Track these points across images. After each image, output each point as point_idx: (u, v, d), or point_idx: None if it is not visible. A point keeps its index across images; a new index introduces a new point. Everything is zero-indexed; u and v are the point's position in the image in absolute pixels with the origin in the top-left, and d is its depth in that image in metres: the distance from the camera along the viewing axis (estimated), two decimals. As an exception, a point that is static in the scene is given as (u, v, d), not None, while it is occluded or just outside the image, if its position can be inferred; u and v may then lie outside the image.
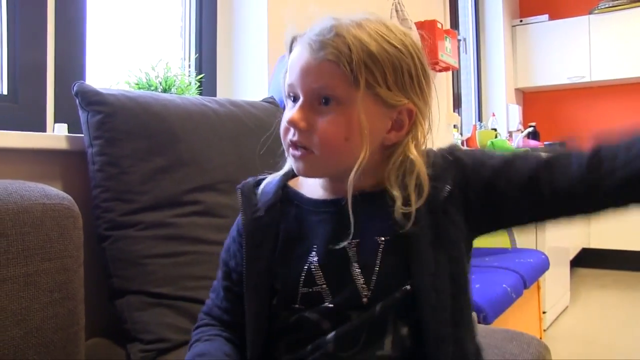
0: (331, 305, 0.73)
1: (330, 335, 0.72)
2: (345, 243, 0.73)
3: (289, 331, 0.77)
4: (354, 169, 0.70)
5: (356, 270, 0.73)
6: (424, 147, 0.76)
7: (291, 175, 0.83)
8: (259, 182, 0.84)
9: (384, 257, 0.72)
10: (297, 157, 0.73)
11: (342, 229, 0.73)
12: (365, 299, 0.72)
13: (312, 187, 0.80)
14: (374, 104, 0.70)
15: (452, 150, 0.77)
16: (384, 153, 0.75)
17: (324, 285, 0.74)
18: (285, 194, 0.81)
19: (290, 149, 0.74)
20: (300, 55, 0.72)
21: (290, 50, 0.75)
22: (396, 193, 0.72)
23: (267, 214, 0.79)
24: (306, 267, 0.75)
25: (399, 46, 0.71)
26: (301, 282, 0.75)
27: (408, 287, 0.71)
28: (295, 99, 0.74)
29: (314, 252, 0.75)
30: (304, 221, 0.78)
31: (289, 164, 0.80)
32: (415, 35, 0.76)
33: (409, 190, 0.72)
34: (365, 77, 0.68)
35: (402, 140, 0.74)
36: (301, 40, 0.73)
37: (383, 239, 0.73)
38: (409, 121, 0.73)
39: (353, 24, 0.71)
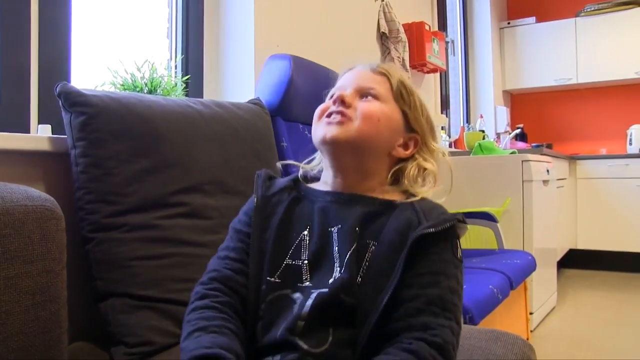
0: (308, 284, 0.83)
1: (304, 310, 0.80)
2: (333, 228, 0.86)
3: (265, 312, 0.83)
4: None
5: (336, 252, 0.84)
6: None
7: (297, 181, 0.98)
8: (271, 177, 0.98)
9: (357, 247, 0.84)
10: (337, 121, 0.89)
11: (333, 216, 0.87)
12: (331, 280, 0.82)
13: (319, 185, 0.95)
14: (400, 118, 0.93)
15: (453, 222, 0.84)
16: (388, 164, 0.93)
17: (306, 261, 0.85)
18: (296, 185, 0.96)
19: (328, 118, 0.90)
20: (359, 70, 0.96)
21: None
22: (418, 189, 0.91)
23: (277, 195, 0.93)
24: (297, 240, 0.87)
25: (413, 87, 0.97)
26: (289, 252, 0.86)
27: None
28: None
29: (306, 231, 0.88)
30: (306, 206, 0.91)
31: (300, 171, 0.99)
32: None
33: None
34: (403, 96, 0.93)
35: (409, 158, 0.94)
36: (363, 64, 0.97)
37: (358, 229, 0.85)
38: (414, 147, 0.94)
39: (402, 69, 0.95)
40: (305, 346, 0.77)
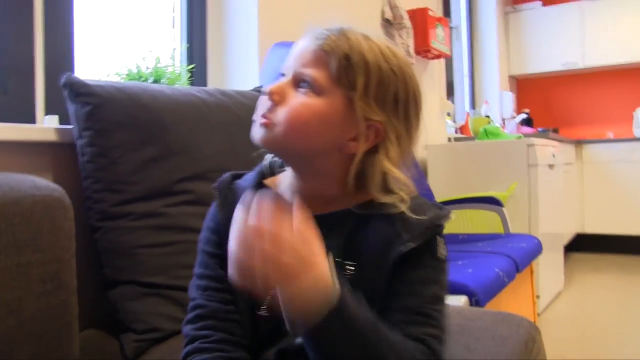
0: None
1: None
2: None
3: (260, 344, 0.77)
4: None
5: None
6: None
7: (266, 173, 0.84)
8: (235, 176, 0.85)
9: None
10: (261, 124, 0.73)
11: (339, 243, 0.74)
12: None
13: (286, 189, 0.80)
14: (345, 107, 0.71)
15: (440, 223, 0.76)
16: (345, 161, 0.74)
17: None
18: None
19: (259, 116, 0.75)
20: (302, 42, 0.75)
21: None
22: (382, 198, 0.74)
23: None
24: None
25: (394, 68, 0.72)
26: None
27: None
28: None
29: None
30: None
31: (265, 162, 0.84)
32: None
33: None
34: (348, 78, 0.70)
35: (366, 154, 0.73)
36: (311, 31, 0.75)
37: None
38: (375, 139, 0.73)
39: (362, 34, 0.73)
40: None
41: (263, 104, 0.74)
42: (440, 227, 0.75)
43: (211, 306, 0.77)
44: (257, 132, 0.74)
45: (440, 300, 0.74)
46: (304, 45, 0.74)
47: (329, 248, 0.68)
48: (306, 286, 0.61)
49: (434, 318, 0.71)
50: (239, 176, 0.85)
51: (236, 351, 0.75)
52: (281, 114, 0.71)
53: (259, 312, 0.75)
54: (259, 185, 0.82)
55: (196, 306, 0.78)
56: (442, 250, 0.75)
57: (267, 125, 0.72)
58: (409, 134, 0.75)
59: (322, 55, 0.71)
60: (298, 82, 0.73)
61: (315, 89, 0.71)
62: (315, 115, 0.71)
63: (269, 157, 0.84)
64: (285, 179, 0.80)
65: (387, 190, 0.74)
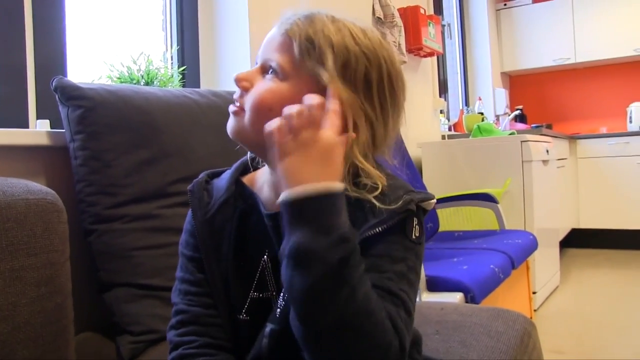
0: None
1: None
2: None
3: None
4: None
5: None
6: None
7: (243, 169, 0.82)
8: (213, 175, 0.84)
9: None
10: (231, 112, 0.74)
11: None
12: None
13: (264, 186, 0.78)
14: (311, 90, 0.68)
15: (414, 203, 0.70)
16: None
17: (274, 293, 0.74)
18: (239, 190, 0.79)
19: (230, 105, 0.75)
20: (270, 33, 0.74)
21: None
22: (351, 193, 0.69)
23: (220, 213, 0.78)
24: (260, 269, 0.75)
25: (364, 49, 0.70)
26: (254, 284, 0.75)
27: None
28: None
29: (266, 256, 0.75)
30: (258, 220, 0.76)
31: (242, 158, 0.82)
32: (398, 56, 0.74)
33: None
34: (312, 61, 0.69)
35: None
36: (281, 20, 0.74)
37: None
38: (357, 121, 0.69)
39: (329, 17, 0.71)
40: None
41: (236, 93, 0.75)
42: (412, 210, 0.69)
43: (192, 311, 0.76)
44: (229, 124, 0.74)
45: (406, 279, 0.67)
46: (272, 33, 0.73)
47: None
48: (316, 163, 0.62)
49: (397, 296, 0.64)
50: (217, 174, 0.84)
51: (220, 354, 0.75)
52: (248, 100, 0.71)
53: (240, 317, 0.75)
54: (236, 182, 0.80)
55: (178, 312, 0.77)
56: (415, 231, 0.70)
57: (236, 114, 0.73)
58: (384, 118, 0.71)
59: (287, 41, 0.71)
60: (266, 69, 0.72)
61: (279, 74, 0.70)
62: (280, 100, 0.69)
63: (249, 154, 0.83)
64: (263, 175, 0.79)
65: (357, 180, 0.70)
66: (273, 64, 0.71)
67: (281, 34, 0.71)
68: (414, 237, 0.69)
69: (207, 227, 0.78)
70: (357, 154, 0.69)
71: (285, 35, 0.71)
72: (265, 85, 0.71)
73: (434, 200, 0.73)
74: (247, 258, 0.76)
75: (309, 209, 0.60)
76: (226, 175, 0.82)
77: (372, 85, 0.70)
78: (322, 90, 0.67)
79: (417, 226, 0.70)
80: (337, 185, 0.62)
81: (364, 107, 0.70)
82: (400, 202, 0.68)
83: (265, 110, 0.69)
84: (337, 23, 0.71)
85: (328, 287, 0.58)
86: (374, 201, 0.68)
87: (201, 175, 0.83)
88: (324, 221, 0.60)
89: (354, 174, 0.70)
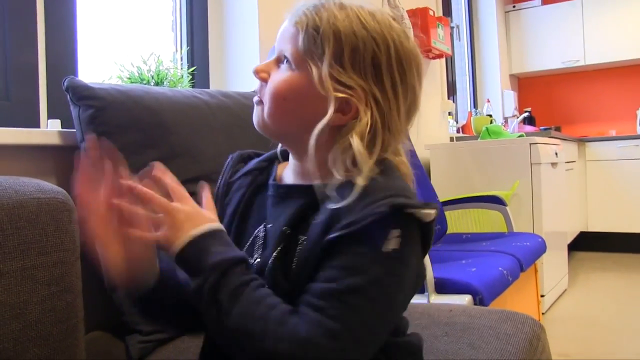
0: None
1: None
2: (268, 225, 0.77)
3: None
4: (316, 131, 0.70)
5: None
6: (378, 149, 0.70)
7: (280, 156, 0.85)
8: (257, 155, 0.88)
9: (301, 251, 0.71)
10: (255, 102, 0.77)
11: (270, 212, 0.77)
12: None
13: (288, 171, 0.81)
14: (322, 77, 0.69)
15: (375, 217, 0.63)
16: (334, 137, 0.71)
17: (257, 261, 0.76)
18: (268, 168, 0.84)
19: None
20: (283, 24, 0.77)
21: None
22: (338, 176, 0.69)
23: (242, 178, 0.84)
24: (252, 238, 0.78)
25: (373, 33, 0.70)
26: (244, 250, 0.78)
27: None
28: None
29: (262, 226, 0.78)
30: (266, 196, 0.80)
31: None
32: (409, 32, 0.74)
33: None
34: (322, 48, 0.70)
35: (348, 125, 0.70)
36: (291, 11, 0.76)
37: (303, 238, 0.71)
38: (353, 111, 0.70)
39: (337, 4, 0.72)
40: None
41: (256, 85, 0.78)
42: (388, 214, 0.63)
43: None
44: (254, 117, 0.77)
45: (357, 293, 0.62)
46: (284, 25, 0.76)
47: (281, 216, 0.74)
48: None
49: (338, 309, 0.61)
50: (259, 155, 0.88)
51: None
52: (266, 92, 0.74)
53: None
54: (271, 161, 0.85)
55: None
56: (392, 243, 0.63)
57: (258, 104, 0.76)
58: (396, 100, 0.71)
59: (294, 30, 0.73)
60: (281, 59, 0.75)
61: (291, 64, 0.73)
62: (292, 88, 0.72)
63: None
64: (290, 163, 0.81)
65: (351, 167, 0.69)
66: (287, 54, 0.73)
67: (292, 25, 0.73)
68: (385, 248, 0.63)
69: (227, 188, 0.84)
70: (355, 139, 0.68)
71: (294, 26, 0.73)
72: (279, 76, 0.74)
73: (433, 211, 0.67)
74: (244, 226, 0.80)
75: (182, 261, 0.68)
76: (265, 155, 0.87)
77: (381, 69, 0.70)
78: (332, 77, 0.69)
79: (399, 238, 0.64)
80: (188, 236, 0.68)
81: (373, 91, 0.70)
82: (372, 206, 0.63)
83: (280, 100, 0.73)
84: (346, 10, 0.71)
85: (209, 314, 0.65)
86: (333, 194, 0.67)
87: (249, 150, 0.89)
88: (193, 265, 0.67)
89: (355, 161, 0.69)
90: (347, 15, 0.71)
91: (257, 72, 0.76)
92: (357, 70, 0.69)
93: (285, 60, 0.73)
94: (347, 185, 0.67)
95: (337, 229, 0.64)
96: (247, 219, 0.81)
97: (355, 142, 0.68)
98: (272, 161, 0.85)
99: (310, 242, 0.68)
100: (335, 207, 0.66)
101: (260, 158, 0.86)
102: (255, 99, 0.77)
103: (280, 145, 0.85)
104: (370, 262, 0.63)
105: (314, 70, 0.70)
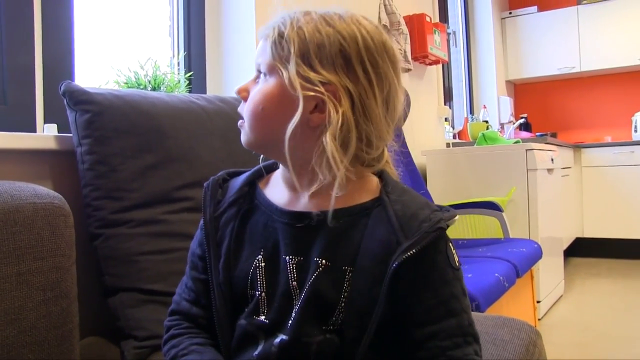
0: (263, 319, 0.74)
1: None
2: (289, 257, 0.74)
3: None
4: (288, 139, 0.70)
5: (294, 286, 0.73)
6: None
7: (259, 174, 0.83)
8: (233, 174, 0.85)
9: (318, 280, 0.71)
10: (239, 125, 0.77)
11: (292, 243, 0.74)
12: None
13: (277, 189, 0.79)
14: (290, 77, 0.69)
15: (438, 233, 0.69)
16: (320, 139, 0.70)
17: (263, 293, 0.74)
18: (251, 191, 0.81)
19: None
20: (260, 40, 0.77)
21: None
22: (322, 177, 0.70)
23: (227, 211, 0.80)
24: (252, 268, 0.76)
25: (337, 28, 0.70)
26: (248, 284, 0.76)
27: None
28: None
29: (260, 256, 0.76)
30: (259, 220, 0.78)
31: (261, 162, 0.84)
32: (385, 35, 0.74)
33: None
34: (288, 50, 0.70)
35: (322, 124, 0.70)
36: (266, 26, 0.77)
37: (325, 261, 0.72)
38: (332, 109, 0.69)
39: (302, 11, 0.73)
40: None
41: (240, 106, 0.78)
42: (442, 228, 0.69)
43: (183, 305, 0.82)
44: (241, 138, 0.77)
45: (470, 310, 0.73)
46: (259, 43, 0.76)
47: (309, 249, 0.72)
48: None
49: (470, 333, 0.70)
50: (237, 174, 0.85)
51: (203, 333, 0.80)
52: (245, 109, 0.75)
53: (240, 321, 0.76)
54: (252, 184, 0.82)
55: (173, 301, 0.85)
56: (456, 259, 0.72)
57: (241, 126, 0.76)
58: (372, 90, 0.70)
59: (264, 42, 0.74)
60: (258, 75, 0.75)
61: (266, 74, 0.73)
62: (266, 97, 0.72)
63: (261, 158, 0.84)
64: (279, 175, 0.80)
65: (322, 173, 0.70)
66: (261, 67, 0.74)
67: (264, 40, 0.74)
68: (456, 265, 0.72)
69: (215, 224, 0.80)
70: (328, 137, 0.68)
71: (265, 40, 0.73)
72: (256, 89, 0.74)
73: (456, 218, 0.73)
74: (240, 257, 0.77)
75: None
76: (243, 177, 0.83)
77: (351, 60, 0.69)
78: (302, 77, 0.69)
79: (451, 253, 0.72)
80: None
81: (345, 83, 0.69)
82: (427, 224, 0.69)
83: (258, 110, 0.73)
84: (310, 14, 0.72)
85: None
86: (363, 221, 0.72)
87: (220, 173, 0.85)
88: None
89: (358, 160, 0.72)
90: (311, 18, 0.72)
91: (238, 92, 0.77)
92: (325, 65, 0.69)
93: (262, 74, 0.74)
94: (371, 206, 0.72)
95: (402, 251, 0.67)
96: (241, 249, 0.78)
97: (328, 140, 0.68)
98: (253, 183, 0.82)
99: (362, 274, 0.70)
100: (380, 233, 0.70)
101: (239, 184, 0.82)
102: (239, 122, 0.77)
103: (261, 159, 0.83)
104: (458, 282, 0.72)
105: (284, 73, 0.70)
